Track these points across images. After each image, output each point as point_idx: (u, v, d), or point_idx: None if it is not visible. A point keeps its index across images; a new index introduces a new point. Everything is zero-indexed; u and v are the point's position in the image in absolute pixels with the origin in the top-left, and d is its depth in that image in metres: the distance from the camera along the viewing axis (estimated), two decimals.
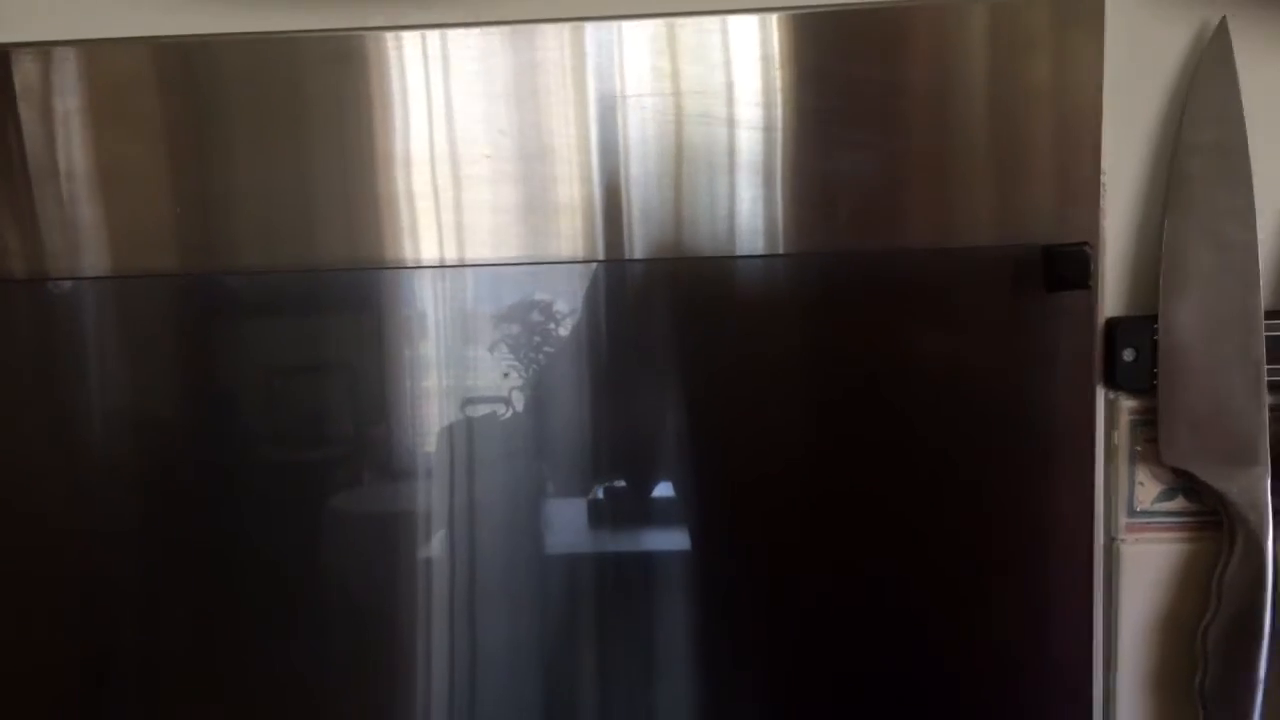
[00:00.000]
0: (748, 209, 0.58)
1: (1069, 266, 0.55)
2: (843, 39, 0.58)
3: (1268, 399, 0.58)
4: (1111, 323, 0.59)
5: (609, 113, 0.57)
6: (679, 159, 0.58)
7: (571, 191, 0.58)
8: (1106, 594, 0.62)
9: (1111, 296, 0.60)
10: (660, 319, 0.59)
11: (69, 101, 0.58)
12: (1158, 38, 0.57)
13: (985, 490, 0.60)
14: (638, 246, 0.59)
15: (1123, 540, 0.61)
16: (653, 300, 0.59)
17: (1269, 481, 0.58)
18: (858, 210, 0.58)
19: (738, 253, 0.58)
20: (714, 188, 0.58)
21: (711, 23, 0.57)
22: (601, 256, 0.59)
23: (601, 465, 0.61)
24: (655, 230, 0.58)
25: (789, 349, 0.59)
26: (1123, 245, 0.59)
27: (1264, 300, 0.58)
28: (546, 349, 0.60)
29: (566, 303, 0.59)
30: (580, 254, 0.59)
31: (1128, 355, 0.59)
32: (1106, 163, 0.58)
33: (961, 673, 0.62)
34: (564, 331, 0.60)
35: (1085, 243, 0.56)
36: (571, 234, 0.58)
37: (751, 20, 0.57)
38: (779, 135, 0.58)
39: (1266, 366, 0.58)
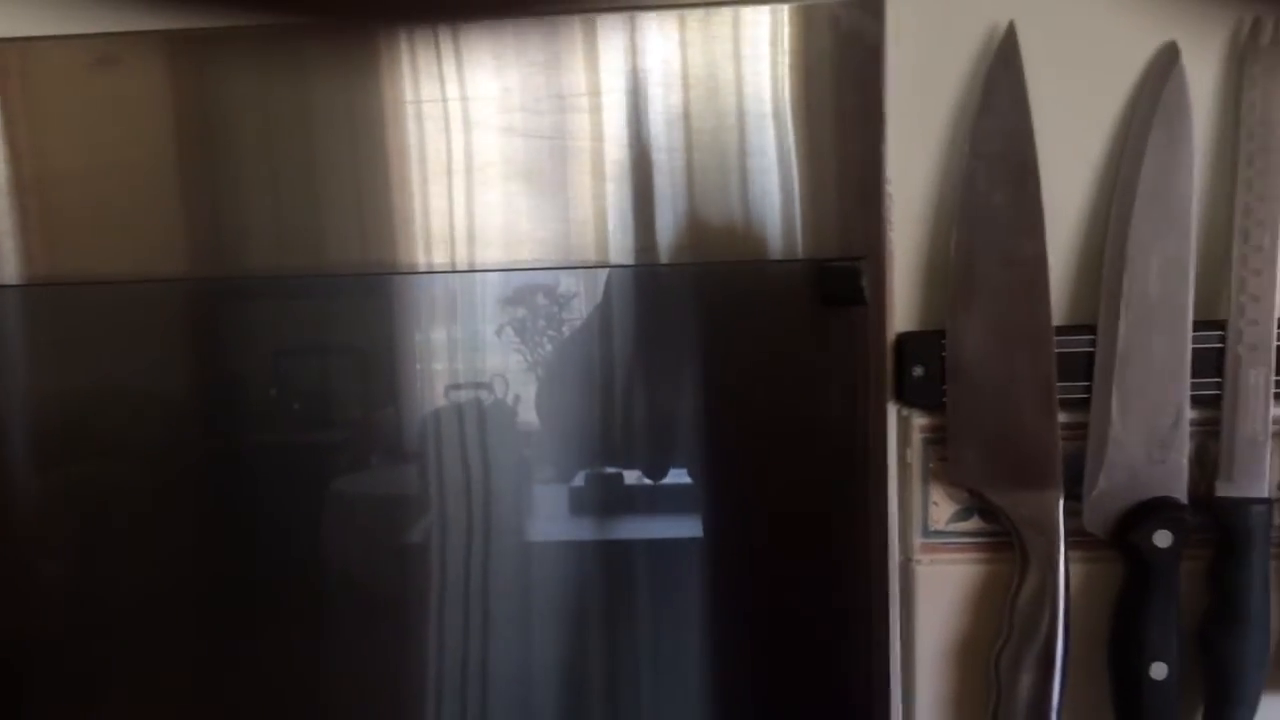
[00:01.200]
0: (527, 222, 0.55)
1: (840, 283, 0.53)
2: (614, 43, 0.55)
3: (1060, 418, 0.57)
4: (901, 338, 0.57)
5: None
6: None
7: None
8: (904, 616, 0.60)
9: (904, 310, 0.58)
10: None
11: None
12: (945, 44, 0.55)
13: (777, 510, 0.58)
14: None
15: (918, 561, 0.60)
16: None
17: (1061, 504, 0.56)
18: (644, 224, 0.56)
19: (521, 265, 0.56)
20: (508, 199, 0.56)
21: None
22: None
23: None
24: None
25: (579, 362, 0.57)
26: (913, 258, 0.57)
27: (1055, 315, 0.56)
28: None
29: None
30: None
31: (917, 371, 0.57)
32: (895, 173, 0.56)
33: (757, 695, 0.60)
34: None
35: (858, 258, 0.54)
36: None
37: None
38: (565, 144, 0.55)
39: (1058, 384, 0.56)
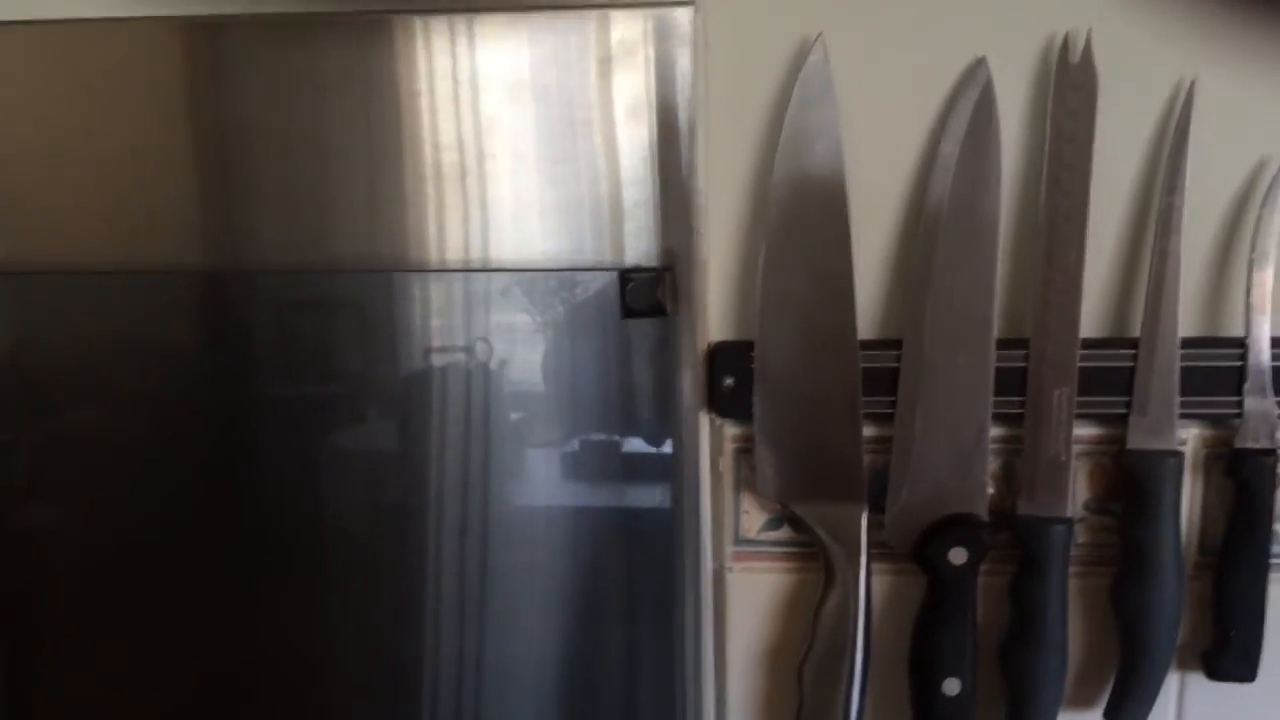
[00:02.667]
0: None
1: (639, 294, 0.53)
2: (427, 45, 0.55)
3: (867, 431, 0.57)
4: (713, 348, 0.57)
5: None
6: None
7: None
8: (718, 621, 0.60)
9: (721, 320, 0.58)
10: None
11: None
12: (759, 53, 0.55)
13: (592, 517, 0.58)
14: None
15: (730, 569, 0.60)
16: None
17: (865, 518, 0.56)
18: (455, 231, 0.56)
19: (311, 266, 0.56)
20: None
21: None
22: None
23: None
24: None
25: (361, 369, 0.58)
26: (729, 268, 0.57)
27: (863, 329, 0.56)
28: None
29: None
30: None
31: (728, 382, 0.57)
32: (710, 182, 0.56)
33: (570, 697, 0.60)
34: None
35: (664, 268, 0.54)
36: None
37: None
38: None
39: (865, 398, 0.56)
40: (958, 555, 0.55)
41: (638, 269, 0.54)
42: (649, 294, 0.53)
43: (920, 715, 0.57)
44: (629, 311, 0.54)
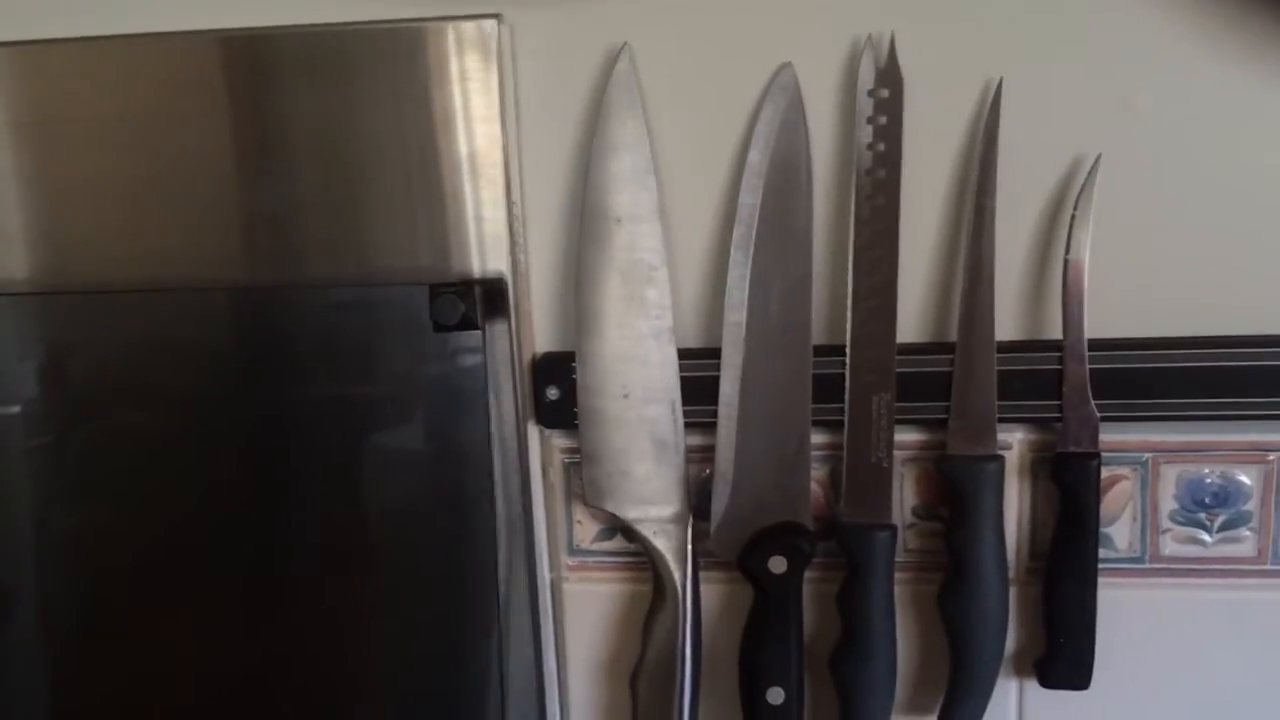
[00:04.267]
0: (130, 237, 0.56)
1: (445, 309, 0.53)
2: (236, 64, 0.56)
3: (691, 440, 0.56)
4: (537, 360, 0.57)
5: None
6: None
7: None
8: (557, 631, 0.60)
9: (545, 332, 0.58)
10: None
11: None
12: (569, 64, 0.55)
13: (422, 531, 0.59)
14: None
15: (565, 579, 0.60)
16: None
17: (689, 528, 0.56)
18: (261, 244, 0.57)
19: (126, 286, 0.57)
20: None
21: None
22: None
23: None
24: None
25: (191, 386, 0.58)
26: (552, 280, 0.57)
27: (683, 338, 0.56)
28: None
29: None
30: None
31: (552, 393, 0.57)
32: (529, 193, 0.56)
33: (408, 707, 0.61)
34: None
35: (462, 283, 0.54)
36: None
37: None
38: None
39: (688, 407, 0.56)
40: (777, 564, 0.55)
41: (444, 284, 0.54)
42: (454, 308, 0.53)
43: None
44: (438, 326, 0.54)
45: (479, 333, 0.55)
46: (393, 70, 0.54)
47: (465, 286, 0.54)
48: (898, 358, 0.54)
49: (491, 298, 0.55)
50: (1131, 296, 0.53)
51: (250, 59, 0.56)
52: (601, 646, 0.60)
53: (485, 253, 0.56)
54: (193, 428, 0.59)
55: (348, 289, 0.57)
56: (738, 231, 0.55)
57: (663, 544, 0.56)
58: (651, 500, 0.56)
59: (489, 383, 0.56)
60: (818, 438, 0.56)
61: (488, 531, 0.58)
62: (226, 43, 0.56)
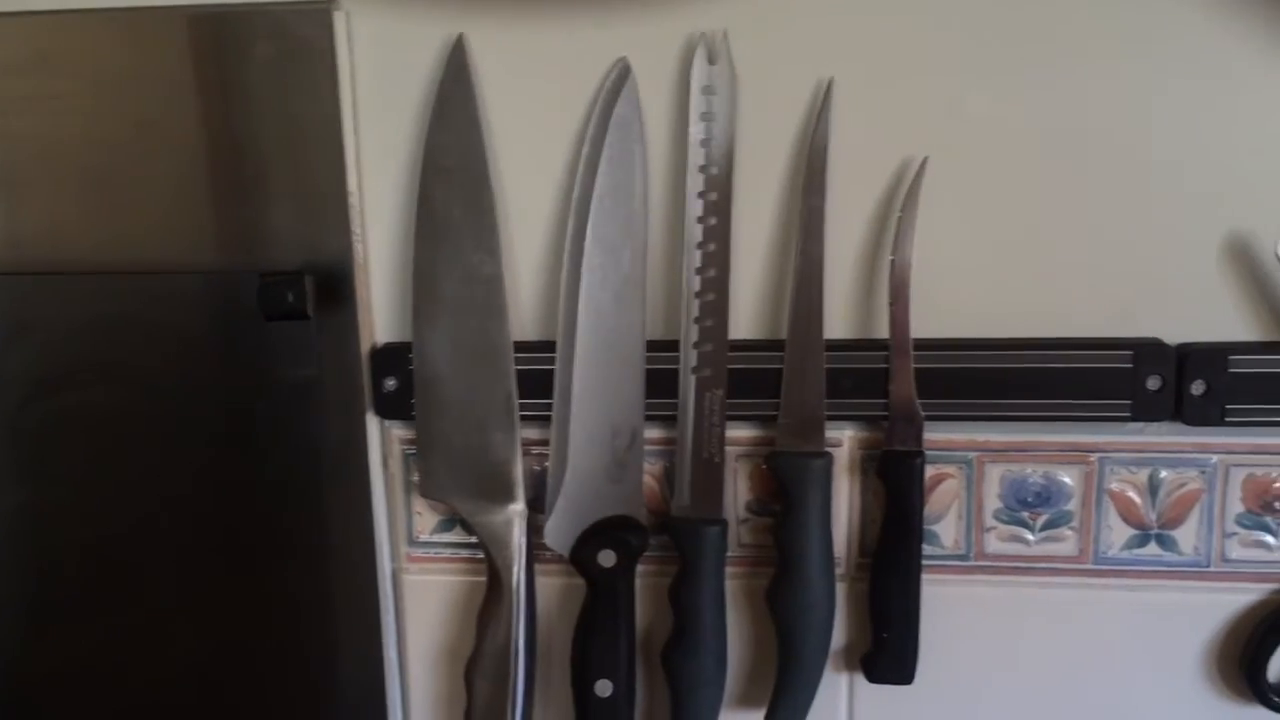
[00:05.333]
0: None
1: (274, 298, 0.53)
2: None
3: (529, 434, 0.56)
4: (374, 350, 0.57)
5: None
6: None
7: None
8: (398, 623, 0.60)
9: (384, 322, 0.58)
10: None
11: None
12: (403, 54, 0.54)
13: (255, 523, 0.58)
14: None
15: (406, 570, 0.60)
16: None
17: (523, 521, 0.56)
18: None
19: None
20: None
21: None
22: None
23: None
24: None
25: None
26: (391, 269, 0.57)
27: (521, 331, 0.56)
28: None
29: None
30: None
31: (390, 384, 0.57)
32: (365, 183, 0.56)
33: (254, 696, 0.60)
34: None
35: (290, 273, 0.54)
36: None
37: None
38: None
39: (525, 400, 0.56)
40: (607, 558, 0.55)
41: (274, 273, 0.54)
42: (281, 297, 0.53)
43: (579, 716, 0.57)
44: (269, 314, 0.54)
45: (309, 322, 0.55)
46: (229, 55, 0.54)
47: (295, 276, 0.54)
48: (731, 354, 0.55)
49: (328, 287, 0.55)
50: (958, 298, 0.54)
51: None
52: (442, 637, 0.60)
53: (322, 242, 0.55)
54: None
55: (183, 275, 0.56)
56: (572, 225, 0.55)
57: (497, 537, 0.56)
58: (486, 493, 0.56)
59: (324, 373, 0.56)
60: (653, 433, 0.56)
61: (323, 523, 0.58)
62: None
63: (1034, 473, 0.55)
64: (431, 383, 0.56)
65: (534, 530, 0.57)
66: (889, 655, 0.56)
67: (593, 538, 0.55)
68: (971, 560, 0.56)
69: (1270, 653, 0.54)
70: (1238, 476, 0.54)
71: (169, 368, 0.57)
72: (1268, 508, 0.54)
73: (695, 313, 0.54)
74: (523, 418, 0.56)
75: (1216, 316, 0.53)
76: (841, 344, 0.55)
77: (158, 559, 0.59)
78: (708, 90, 0.53)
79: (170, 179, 0.55)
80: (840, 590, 0.57)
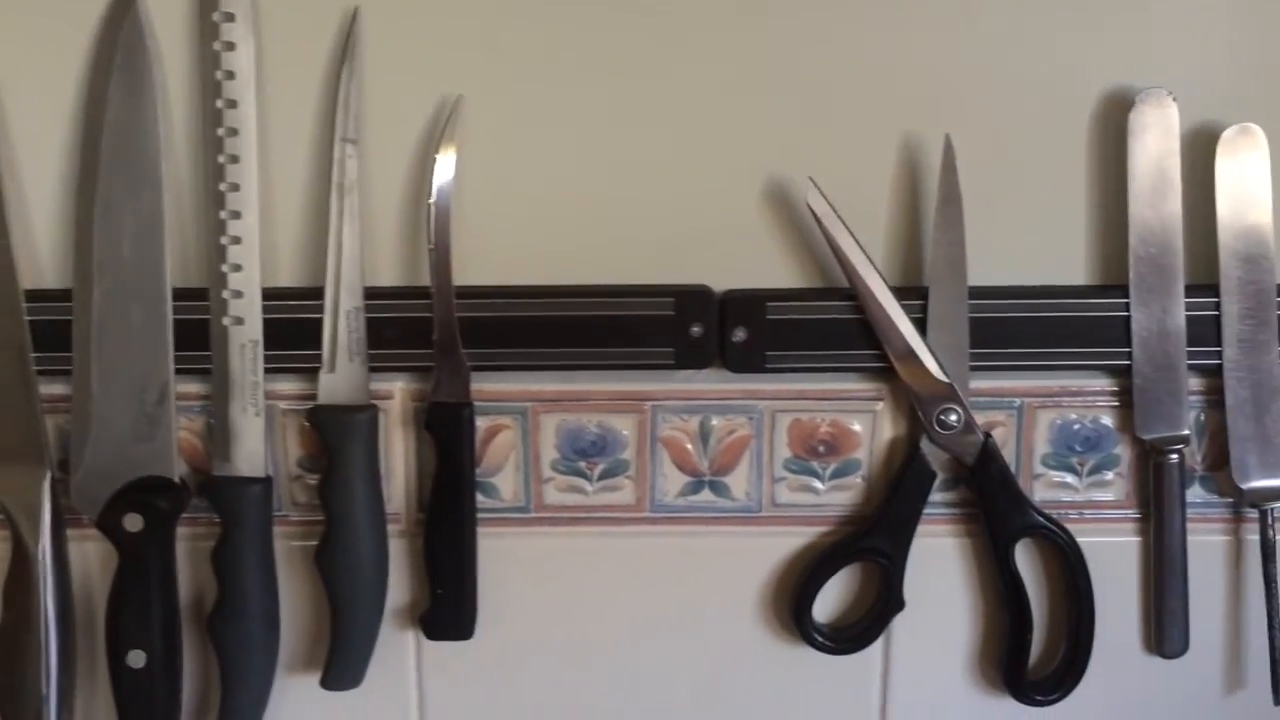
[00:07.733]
0: None
1: None
2: None
3: (53, 390, 0.52)
4: None
5: None
6: None
7: None
8: None
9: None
10: None
11: None
12: None
13: None
14: None
15: None
16: None
17: (48, 483, 0.52)
18: None
19: None
20: None
21: None
22: None
23: None
24: None
25: None
26: None
27: (29, 279, 0.51)
28: None
29: None
30: None
31: None
32: None
33: None
34: None
35: None
36: None
37: None
38: None
39: (45, 353, 0.51)
40: (133, 522, 0.52)
41: None
42: None
43: (114, 687, 0.53)
44: None
45: None
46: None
47: None
48: (267, 303, 0.52)
49: None
50: (503, 243, 0.53)
51: None
52: None
53: None
54: None
55: None
56: (83, 164, 0.50)
57: (16, 501, 0.52)
58: (5, 455, 0.52)
59: None
60: (189, 387, 0.53)
61: None
62: None
63: (589, 422, 0.54)
64: None
65: (65, 494, 0.53)
66: (446, 612, 0.54)
67: (119, 501, 0.52)
68: (531, 512, 0.55)
69: (815, 593, 0.55)
70: (784, 422, 0.54)
71: None
72: (813, 452, 0.55)
73: (226, 258, 0.51)
74: (46, 372, 0.52)
75: (761, 264, 0.53)
76: (384, 291, 0.52)
77: None
78: (226, 17, 0.49)
79: None
80: (400, 547, 0.55)
